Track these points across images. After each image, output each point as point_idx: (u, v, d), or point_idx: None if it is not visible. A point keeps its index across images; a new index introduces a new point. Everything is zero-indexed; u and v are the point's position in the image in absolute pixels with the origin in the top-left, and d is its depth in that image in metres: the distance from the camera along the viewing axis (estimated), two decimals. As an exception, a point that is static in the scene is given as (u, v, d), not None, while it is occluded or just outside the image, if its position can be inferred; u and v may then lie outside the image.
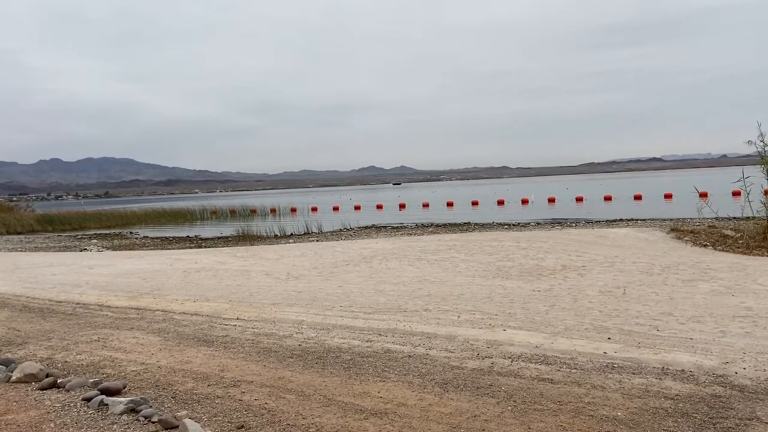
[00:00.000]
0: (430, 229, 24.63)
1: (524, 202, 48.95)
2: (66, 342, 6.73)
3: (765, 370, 4.95)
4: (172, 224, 42.61)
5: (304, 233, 26.21)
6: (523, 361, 5.47)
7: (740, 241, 13.43)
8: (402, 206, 51.55)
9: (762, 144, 13.12)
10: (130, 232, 33.84)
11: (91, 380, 5.10)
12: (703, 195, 23.66)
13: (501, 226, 25.10)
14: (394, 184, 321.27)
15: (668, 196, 44.96)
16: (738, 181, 14.00)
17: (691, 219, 22.40)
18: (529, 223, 25.99)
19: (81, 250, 22.05)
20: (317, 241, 21.36)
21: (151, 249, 21.66)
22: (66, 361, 5.90)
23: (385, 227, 27.56)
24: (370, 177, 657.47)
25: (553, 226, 23.16)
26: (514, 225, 25.32)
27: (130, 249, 22.11)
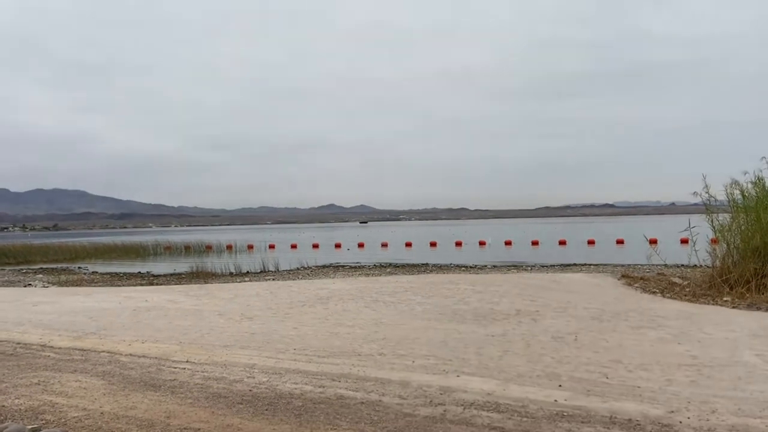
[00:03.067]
0: (388, 270, 24.45)
1: (481, 244, 49.32)
2: (4, 385, 6.44)
3: (708, 420, 5.01)
4: (123, 259, 41.43)
5: (261, 271, 25.76)
6: (475, 408, 5.44)
7: (687, 289, 13.57)
8: (361, 245, 51.35)
9: (707, 195, 13.65)
10: (79, 267, 32.51)
11: (30, 427, 4.92)
12: (653, 242, 24.28)
13: (458, 268, 25.08)
14: (361, 223, 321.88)
15: (620, 242, 46.00)
16: (685, 230, 14.45)
17: (641, 265, 22.72)
18: (485, 266, 25.96)
19: (25, 286, 21.32)
20: (274, 279, 20.94)
21: (100, 285, 20.86)
22: (3, 406, 5.64)
23: (343, 267, 27.29)
24: (329, 215, 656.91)
25: (509, 269, 23.29)
26: (471, 267, 25.33)
27: (77, 285, 21.37)
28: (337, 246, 51.49)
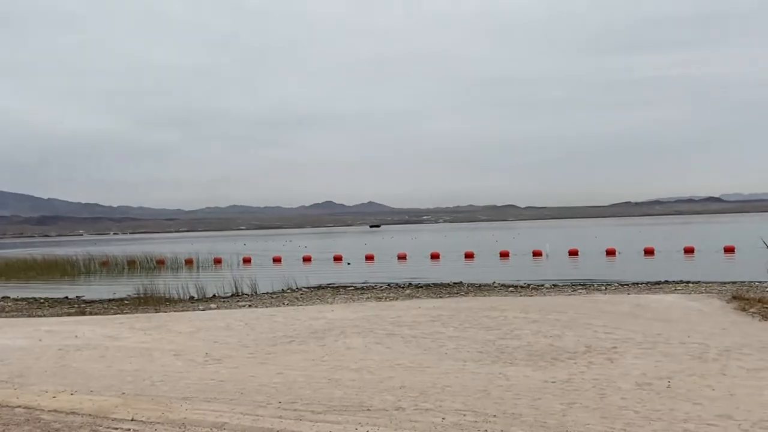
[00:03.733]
0: (407, 292, 24.73)
1: (536, 254, 49.65)
2: None
3: None
4: (44, 279, 41.50)
5: (232, 295, 26.17)
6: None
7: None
8: (369, 258, 51.48)
9: None
10: (-19, 292, 32.88)
11: None
12: (777, 249, 24.15)
13: (504, 288, 25.46)
14: (371, 227, 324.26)
15: (729, 250, 45.82)
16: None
17: (759, 283, 22.70)
18: (542, 285, 26.30)
19: None
20: (250, 306, 21.27)
21: (12, 316, 21.08)
22: None
23: (345, 288, 27.78)
24: (326, 216, 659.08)
25: (574, 290, 23.62)
26: (521, 287, 25.60)
27: (-21, 316, 21.46)
28: (337, 259, 52.02)
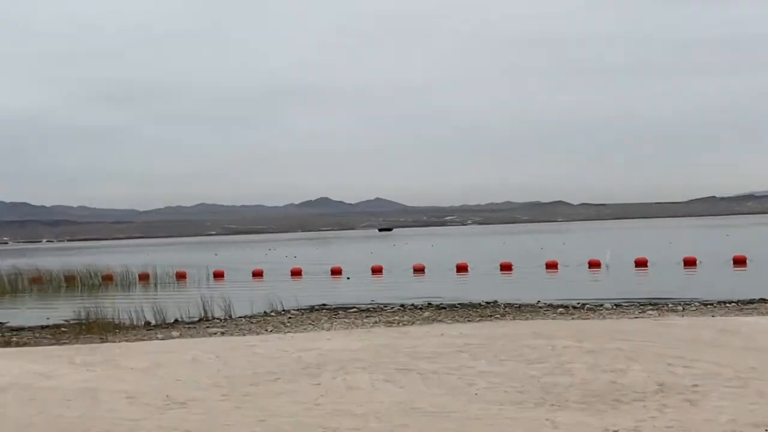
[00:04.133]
0: (426, 314, 25.05)
1: (593, 265, 49.71)
2: None
3: None
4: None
5: (200, 320, 26.40)
6: None
7: None
8: (377, 271, 52.34)
9: None
10: None
11: None
12: None
13: (551, 309, 25.61)
14: (380, 230, 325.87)
15: None
16: None
17: None
18: (600, 305, 26.51)
19: None
20: (223, 334, 21.44)
21: None
22: None
23: (345, 310, 28.15)
24: (320, 218, 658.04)
25: (642, 311, 23.74)
26: (574, 308, 25.79)
27: None
28: (335, 273, 52.42)
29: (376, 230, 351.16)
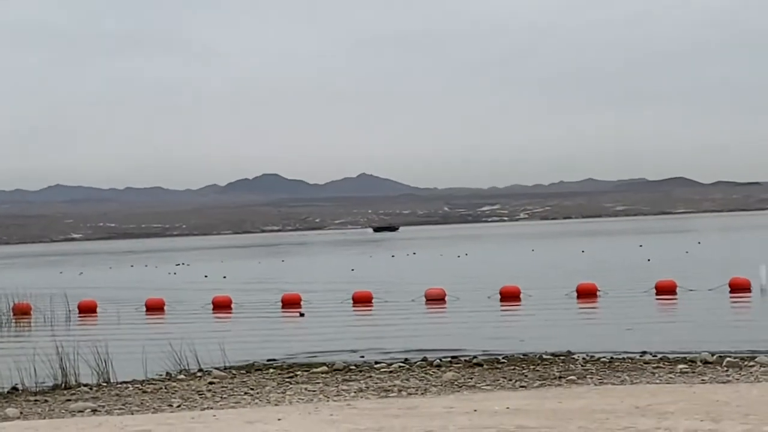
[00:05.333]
0: (449, 375, 21.10)
1: (738, 287, 40.25)
2: None
3: None
4: None
5: (56, 387, 21.83)
6: None
7: None
8: (362, 300, 42.55)
9: None
10: None
11: None
12: None
13: (665, 365, 21.14)
14: (378, 230, 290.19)
15: None
16: None
17: None
18: (752, 357, 21.43)
19: None
20: (94, 412, 17.67)
21: None
22: None
23: (307, 368, 23.25)
24: (262, 209, 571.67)
25: None
26: (705, 363, 21.04)
27: None
28: (290, 304, 42.30)
29: (370, 230, 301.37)
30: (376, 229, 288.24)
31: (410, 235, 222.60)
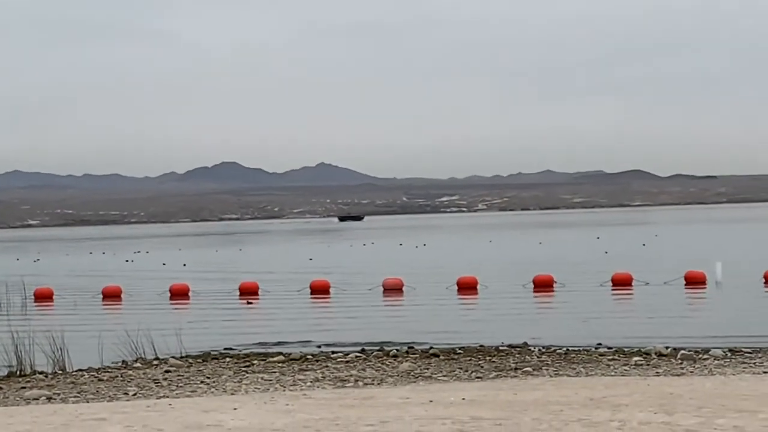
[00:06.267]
0: (405, 365, 21.23)
1: (693, 281, 40.61)
2: None
3: None
4: None
5: (9, 375, 22.30)
6: None
7: None
8: (320, 289, 42.33)
9: None
10: None
11: None
12: None
13: (620, 357, 21.56)
14: (343, 219, 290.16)
15: None
16: None
17: None
18: (705, 350, 21.78)
19: None
20: (49, 400, 17.80)
21: None
22: None
23: (264, 357, 23.39)
24: (221, 197, 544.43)
25: None
26: (659, 356, 21.42)
27: None
28: (248, 292, 42.33)
29: (335, 219, 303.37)
30: (342, 218, 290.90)
31: (374, 224, 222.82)
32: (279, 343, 26.93)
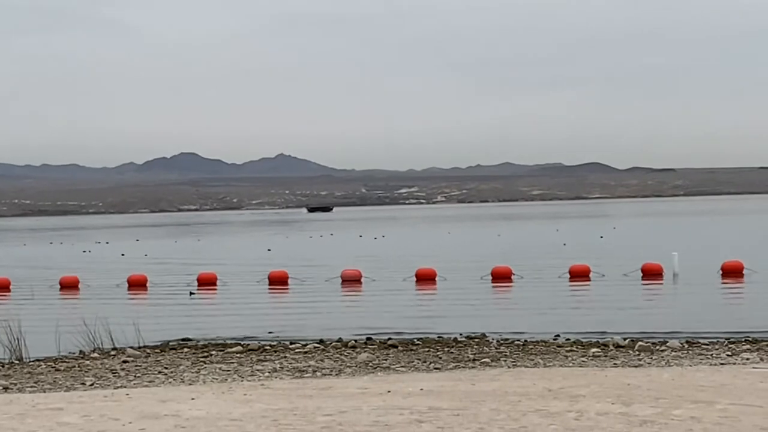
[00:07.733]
0: (364, 356, 21.20)
1: (650, 272, 40.78)
2: None
3: None
4: None
5: None
6: None
7: None
8: (278, 281, 42.59)
9: None
10: None
11: None
12: None
13: (578, 348, 21.45)
14: (312, 210, 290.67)
15: None
16: None
17: None
18: (662, 342, 21.76)
19: None
20: (6, 390, 17.72)
21: None
22: None
23: (222, 348, 23.24)
24: (179, 188, 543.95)
25: (734, 351, 20.12)
26: (616, 347, 21.28)
27: None
28: (206, 283, 42.09)
29: (304, 210, 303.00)
30: (311, 209, 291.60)
31: (334, 216, 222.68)
32: (237, 334, 26.73)
